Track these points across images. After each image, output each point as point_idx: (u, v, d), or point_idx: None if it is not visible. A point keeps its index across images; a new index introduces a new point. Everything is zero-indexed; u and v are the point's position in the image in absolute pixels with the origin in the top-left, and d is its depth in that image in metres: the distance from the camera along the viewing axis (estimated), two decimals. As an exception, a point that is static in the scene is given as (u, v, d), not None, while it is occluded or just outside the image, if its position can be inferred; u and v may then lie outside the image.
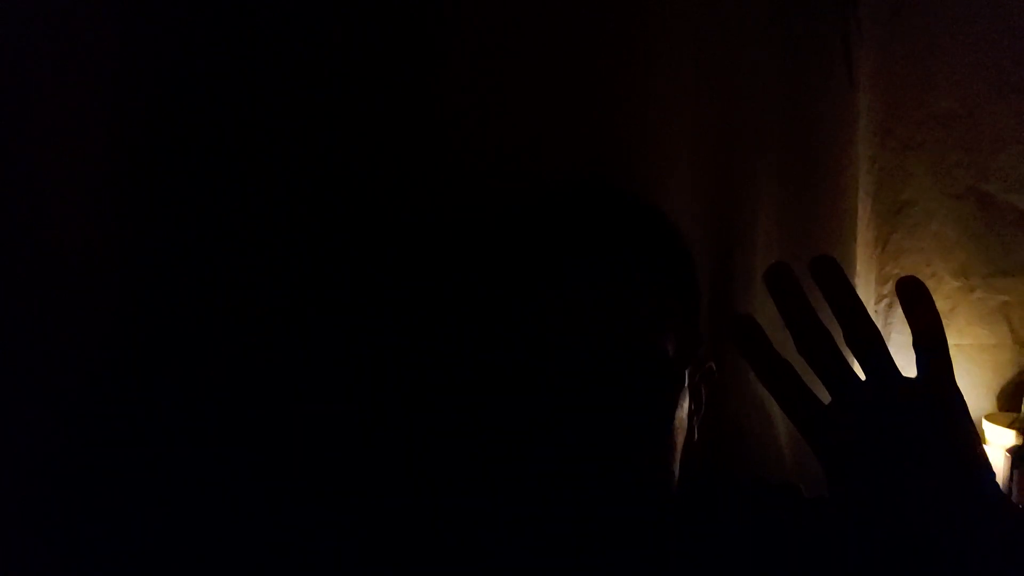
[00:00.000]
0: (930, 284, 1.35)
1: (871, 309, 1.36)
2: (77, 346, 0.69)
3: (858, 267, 1.21)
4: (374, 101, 0.75)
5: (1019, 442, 1.30)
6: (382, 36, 0.74)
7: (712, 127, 0.96)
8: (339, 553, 0.74)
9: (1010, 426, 1.32)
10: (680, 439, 0.62)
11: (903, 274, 1.35)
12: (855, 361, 0.49)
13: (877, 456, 0.46)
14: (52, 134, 0.66)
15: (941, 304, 1.37)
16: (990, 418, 1.34)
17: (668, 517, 0.63)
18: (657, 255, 0.64)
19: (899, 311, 1.35)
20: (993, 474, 0.47)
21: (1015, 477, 1.27)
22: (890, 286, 1.36)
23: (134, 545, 0.72)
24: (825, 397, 0.49)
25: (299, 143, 0.74)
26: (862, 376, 0.49)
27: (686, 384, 0.62)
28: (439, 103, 0.76)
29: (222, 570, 0.75)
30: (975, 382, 1.38)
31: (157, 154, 0.71)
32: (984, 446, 1.27)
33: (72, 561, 0.69)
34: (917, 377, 0.48)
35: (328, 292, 0.77)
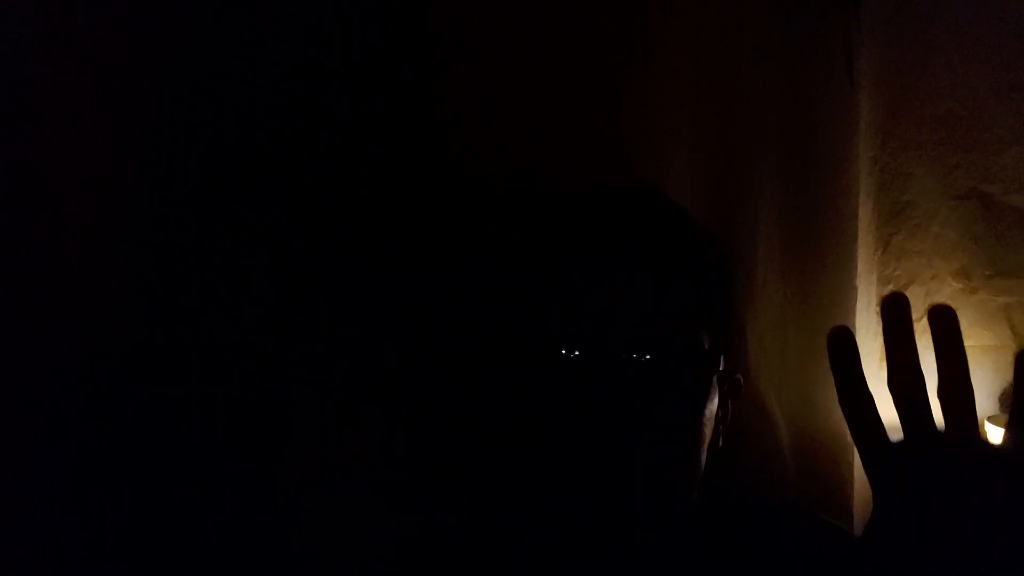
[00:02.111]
0: (931, 286, 1.35)
1: (872, 311, 1.36)
2: (76, 346, 0.69)
3: (859, 269, 1.20)
4: (374, 101, 0.75)
5: (1021, 444, 1.29)
6: (382, 36, 0.74)
7: (712, 127, 0.96)
8: (361, 547, 0.74)
9: (1012, 428, 1.31)
10: (707, 437, 0.63)
11: (904, 276, 1.35)
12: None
13: (932, 504, 0.47)
14: (52, 134, 0.66)
15: (942, 306, 1.37)
16: (992, 420, 1.34)
17: (687, 517, 0.63)
18: (700, 264, 0.66)
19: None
20: None
21: (1017, 479, 1.27)
22: (891, 287, 1.36)
23: (134, 545, 0.72)
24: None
25: (300, 143, 0.74)
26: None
27: (715, 384, 0.64)
28: (439, 103, 0.76)
29: (225, 570, 0.74)
30: (977, 384, 1.36)
31: (157, 154, 0.71)
32: None
33: (71, 561, 0.69)
34: (1002, 446, 0.48)
35: (335, 286, 0.76)
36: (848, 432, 1.17)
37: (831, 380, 1.21)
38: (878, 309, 1.36)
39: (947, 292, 1.37)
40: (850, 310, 1.17)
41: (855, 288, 1.18)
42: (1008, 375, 1.38)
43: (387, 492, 0.77)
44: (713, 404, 0.63)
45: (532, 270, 0.67)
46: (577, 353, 0.59)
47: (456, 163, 0.77)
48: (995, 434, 1.33)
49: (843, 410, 0.51)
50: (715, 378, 0.64)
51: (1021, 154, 1.34)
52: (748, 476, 0.97)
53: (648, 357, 0.59)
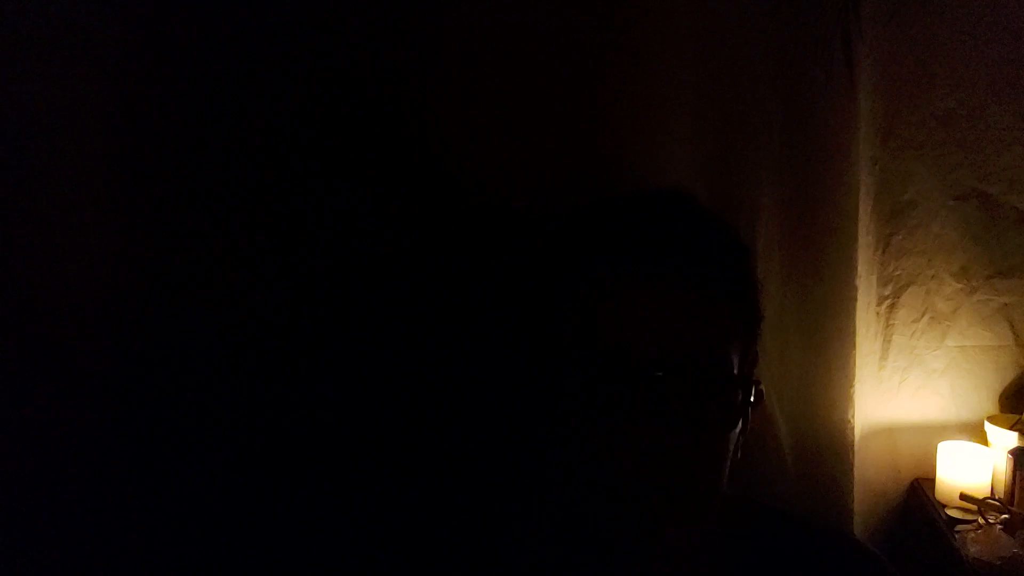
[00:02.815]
0: (931, 286, 1.36)
1: (872, 311, 1.36)
2: (77, 346, 0.69)
3: (859, 268, 1.20)
4: (376, 105, 0.75)
5: (1021, 444, 1.29)
6: (382, 41, 0.74)
7: (712, 128, 0.96)
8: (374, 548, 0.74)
9: (1012, 428, 1.31)
10: (730, 452, 0.62)
11: (904, 275, 1.35)
12: None
13: None
14: (52, 134, 0.66)
15: (943, 306, 1.37)
16: (992, 420, 1.34)
17: (709, 530, 0.62)
18: (734, 277, 0.64)
19: (900, 312, 1.35)
20: None
21: (1017, 479, 1.27)
22: (891, 287, 1.36)
23: (133, 544, 0.72)
24: None
25: (305, 149, 0.74)
26: None
27: (742, 403, 0.62)
28: (435, 104, 0.76)
29: (233, 569, 0.74)
30: (977, 384, 1.37)
31: (157, 156, 0.71)
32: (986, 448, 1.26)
33: (72, 560, 0.69)
34: None
35: (345, 290, 0.76)
36: (847, 431, 1.16)
37: (831, 379, 1.20)
38: (878, 309, 1.36)
39: (947, 292, 1.36)
40: (850, 310, 1.17)
41: (855, 288, 1.18)
42: (1008, 374, 1.39)
43: (398, 492, 0.77)
44: (738, 421, 0.62)
45: (557, 279, 0.64)
46: (602, 366, 0.58)
47: (454, 161, 0.77)
48: (995, 434, 1.33)
49: None
50: (743, 398, 0.62)
51: (1021, 154, 1.34)
52: (749, 477, 0.96)
53: (679, 375, 0.57)
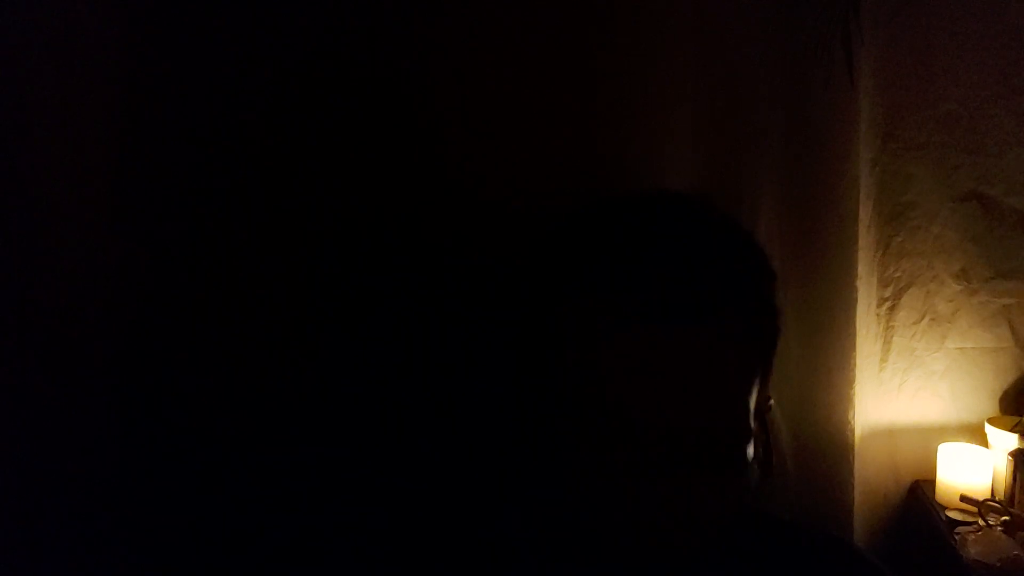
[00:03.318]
0: (931, 287, 1.36)
1: (873, 312, 1.36)
2: (78, 346, 0.69)
3: (859, 270, 1.20)
4: (370, 103, 0.75)
5: (1022, 445, 1.29)
6: (379, 37, 0.74)
7: (711, 129, 0.96)
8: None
9: (1012, 430, 1.31)
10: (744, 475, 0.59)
11: (905, 277, 1.35)
12: None
13: None
14: (52, 134, 0.66)
15: (943, 308, 1.37)
16: (992, 422, 1.34)
17: (716, 543, 0.61)
18: (757, 294, 0.58)
19: (900, 313, 1.34)
20: None
21: (1018, 480, 1.26)
22: (892, 288, 1.36)
23: (134, 544, 0.71)
24: None
25: (302, 144, 0.74)
26: None
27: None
28: (435, 103, 0.76)
29: (227, 567, 0.74)
30: (977, 385, 1.37)
31: (157, 155, 0.71)
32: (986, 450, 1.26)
33: (72, 560, 0.69)
34: None
35: (343, 291, 0.76)
36: (847, 433, 1.16)
37: (831, 380, 1.20)
38: (878, 311, 1.36)
39: (947, 294, 1.36)
40: (851, 311, 1.17)
41: (855, 289, 1.18)
42: (1009, 376, 1.38)
43: (398, 498, 0.77)
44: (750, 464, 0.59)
45: (555, 303, 0.57)
46: (604, 421, 0.53)
47: (454, 165, 0.77)
48: (996, 436, 1.33)
49: None
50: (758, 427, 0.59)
51: (1022, 156, 1.34)
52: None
53: (691, 434, 0.53)
